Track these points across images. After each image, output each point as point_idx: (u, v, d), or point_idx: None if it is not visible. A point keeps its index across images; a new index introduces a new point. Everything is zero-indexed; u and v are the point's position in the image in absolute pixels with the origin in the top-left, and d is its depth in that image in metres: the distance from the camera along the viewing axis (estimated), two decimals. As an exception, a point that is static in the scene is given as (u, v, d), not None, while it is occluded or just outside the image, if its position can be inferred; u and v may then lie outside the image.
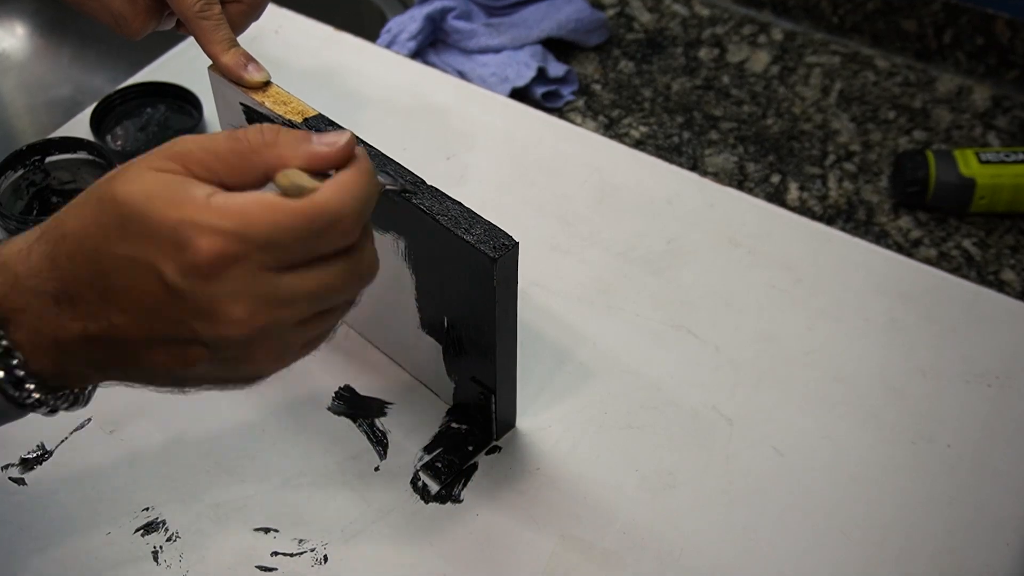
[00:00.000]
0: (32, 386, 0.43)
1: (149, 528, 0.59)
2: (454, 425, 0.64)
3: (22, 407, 0.44)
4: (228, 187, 0.41)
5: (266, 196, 0.40)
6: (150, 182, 0.40)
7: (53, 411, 0.44)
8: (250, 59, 0.59)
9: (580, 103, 0.94)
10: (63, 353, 0.42)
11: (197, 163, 0.41)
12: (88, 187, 0.42)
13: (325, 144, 0.42)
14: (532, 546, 0.58)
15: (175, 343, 0.41)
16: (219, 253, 0.39)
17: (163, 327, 0.41)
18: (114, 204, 0.40)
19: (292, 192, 0.40)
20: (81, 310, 0.41)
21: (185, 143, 0.41)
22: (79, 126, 0.79)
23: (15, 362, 0.42)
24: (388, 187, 0.47)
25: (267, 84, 0.59)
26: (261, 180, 0.42)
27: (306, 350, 0.45)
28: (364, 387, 0.66)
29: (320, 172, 0.42)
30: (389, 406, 0.65)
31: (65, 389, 0.45)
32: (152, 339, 0.41)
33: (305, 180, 0.40)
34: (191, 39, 0.85)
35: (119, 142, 0.80)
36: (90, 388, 0.46)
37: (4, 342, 0.42)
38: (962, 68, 0.95)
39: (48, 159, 0.70)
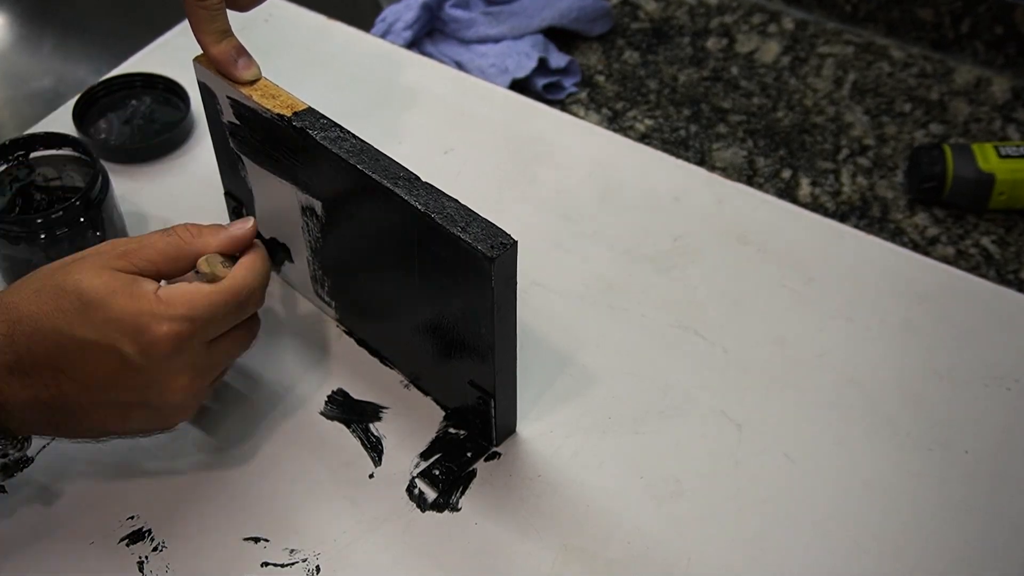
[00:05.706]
0: None
1: (134, 538, 0.58)
2: (452, 430, 0.63)
3: None
4: (165, 275, 0.53)
5: (201, 286, 0.52)
6: (108, 278, 0.50)
7: (3, 458, 0.52)
8: (242, 53, 0.58)
9: (583, 95, 0.94)
10: (6, 413, 0.51)
11: (141, 259, 0.52)
12: (40, 274, 0.51)
13: (236, 228, 0.55)
14: (533, 556, 0.58)
15: (119, 406, 0.52)
16: (176, 335, 0.50)
17: (114, 394, 0.51)
18: (78, 294, 0.50)
19: (210, 279, 0.54)
20: (34, 380, 0.50)
21: (128, 243, 0.53)
22: (61, 119, 0.78)
23: None
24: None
25: None
26: (190, 267, 0.54)
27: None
28: (358, 391, 0.65)
29: (230, 256, 0.55)
30: (384, 411, 0.64)
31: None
32: (98, 403, 0.51)
33: (219, 268, 0.54)
34: (177, 28, 0.84)
35: (103, 135, 0.78)
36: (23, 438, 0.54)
37: None
38: (980, 59, 0.95)
39: (32, 155, 0.69)
